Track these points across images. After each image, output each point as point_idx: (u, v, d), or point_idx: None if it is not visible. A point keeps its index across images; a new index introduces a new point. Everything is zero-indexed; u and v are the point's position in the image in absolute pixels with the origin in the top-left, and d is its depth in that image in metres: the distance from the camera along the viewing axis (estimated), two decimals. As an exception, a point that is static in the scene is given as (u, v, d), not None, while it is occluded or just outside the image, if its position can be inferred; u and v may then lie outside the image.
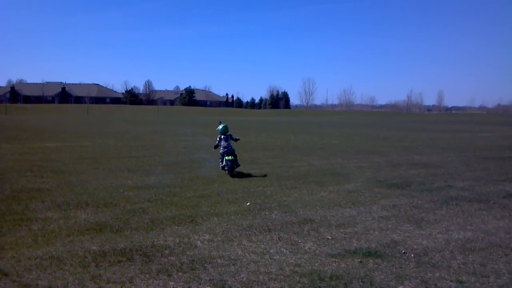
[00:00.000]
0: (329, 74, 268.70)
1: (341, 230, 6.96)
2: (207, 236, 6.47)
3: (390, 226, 7.31)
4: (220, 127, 12.78)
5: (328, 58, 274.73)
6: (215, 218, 7.52)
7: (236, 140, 12.85)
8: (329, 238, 6.54)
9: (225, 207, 8.29)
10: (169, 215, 7.63)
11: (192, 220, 7.31)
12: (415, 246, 6.24)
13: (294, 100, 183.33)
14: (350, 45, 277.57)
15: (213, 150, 13.52)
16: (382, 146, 22.74)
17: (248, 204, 8.59)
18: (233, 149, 12.36)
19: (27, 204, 8.14)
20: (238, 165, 12.23)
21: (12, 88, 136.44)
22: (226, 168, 12.10)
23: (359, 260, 5.60)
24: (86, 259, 5.38)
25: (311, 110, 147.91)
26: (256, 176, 11.91)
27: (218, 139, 12.60)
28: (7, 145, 18.99)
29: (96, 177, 11.20)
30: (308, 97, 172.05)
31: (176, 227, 6.91)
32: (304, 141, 25.39)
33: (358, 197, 9.55)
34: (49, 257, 5.41)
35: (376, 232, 6.91)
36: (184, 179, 11.29)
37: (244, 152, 17.66)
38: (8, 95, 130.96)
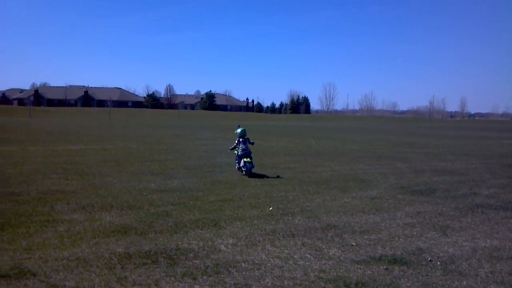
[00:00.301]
0: (350, 79, 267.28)
1: (366, 237, 6.91)
2: (230, 240, 6.49)
3: (415, 233, 7.23)
4: (239, 130, 13.42)
5: (349, 63, 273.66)
6: (238, 222, 7.53)
7: (252, 143, 13.45)
8: (354, 244, 6.49)
9: (248, 212, 8.30)
10: (193, 218, 7.67)
11: (215, 224, 7.34)
12: (441, 254, 6.15)
13: (314, 105, 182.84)
14: (372, 50, 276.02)
15: (229, 151, 14.26)
16: (404, 152, 22.53)
17: (270, 208, 8.59)
18: (251, 152, 13.02)
19: (52, 206, 8.26)
20: (252, 167, 12.71)
21: (36, 91, 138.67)
22: (243, 169, 12.75)
23: (384, 267, 5.55)
24: (112, 261, 5.43)
25: (331, 115, 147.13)
26: (277, 181, 11.90)
27: (236, 141, 13.29)
28: (32, 148, 19.31)
29: (120, 180, 11.32)
30: (328, 102, 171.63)
31: (200, 231, 6.94)
32: (325, 146, 25.30)
33: (382, 203, 9.47)
34: (76, 258, 5.48)
35: (401, 239, 6.84)
36: (207, 183, 11.34)
37: (265, 157, 17.68)
38: (32, 98, 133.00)
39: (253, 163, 12.79)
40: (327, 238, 6.76)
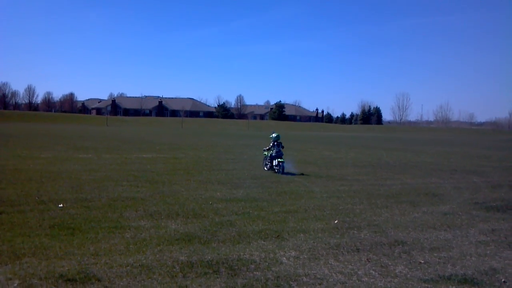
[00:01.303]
0: (424, 89, 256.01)
1: (435, 254, 6.57)
2: (293, 253, 6.38)
3: (488, 252, 6.80)
4: (274, 135, 16.08)
5: (423, 73, 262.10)
6: (302, 234, 7.41)
7: (283, 147, 15.96)
8: (422, 262, 6.19)
9: (312, 224, 8.15)
10: (256, 229, 7.63)
11: (278, 236, 7.26)
12: (517, 276, 5.73)
13: (386, 116, 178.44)
14: (448, 58, 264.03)
15: (262, 151, 16.83)
16: (481, 165, 21.41)
17: (336, 221, 8.39)
18: (283, 154, 15.69)
19: (121, 212, 8.52)
20: (284, 166, 15.43)
21: (113, 101, 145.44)
22: (276, 168, 15.43)
23: (453, 287, 5.23)
24: (174, 269, 5.49)
25: (404, 127, 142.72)
26: (344, 193, 11.64)
27: (271, 144, 15.86)
28: (107, 155, 20.16)
29: (187, 188, 11.52)
30: (401, 113, 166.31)
31: (262, 242, 6.88)
32: (396, 158, 24.56)
33: (454, 219, 9.00)
34: (140, 265, 5.59)
35: (473, 258, 6.45)
36: (272, 193, 11.30)
37: (333, 168, 17.44)
38: (109, 108, 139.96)
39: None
40: (394, 255, 6.49)
